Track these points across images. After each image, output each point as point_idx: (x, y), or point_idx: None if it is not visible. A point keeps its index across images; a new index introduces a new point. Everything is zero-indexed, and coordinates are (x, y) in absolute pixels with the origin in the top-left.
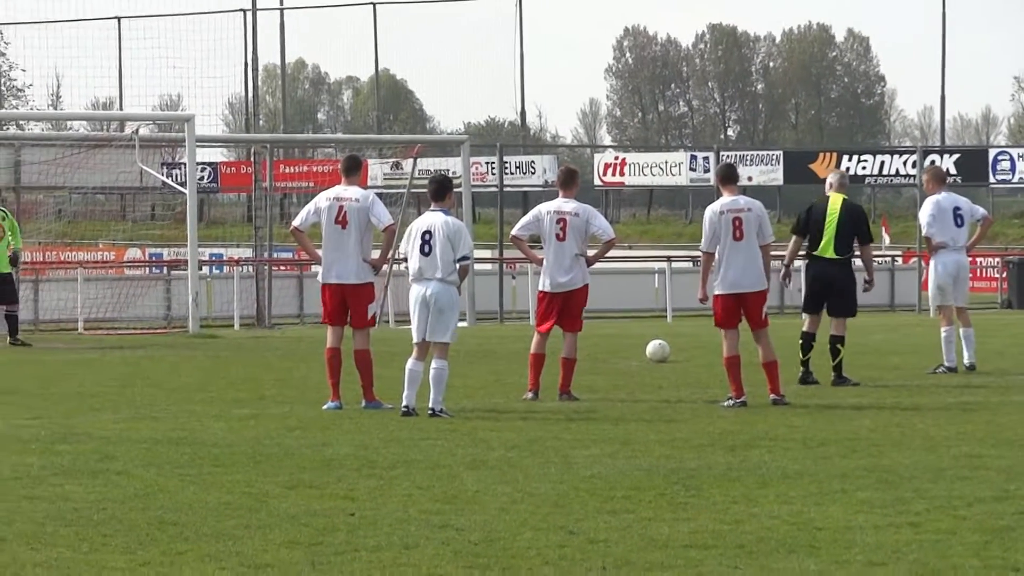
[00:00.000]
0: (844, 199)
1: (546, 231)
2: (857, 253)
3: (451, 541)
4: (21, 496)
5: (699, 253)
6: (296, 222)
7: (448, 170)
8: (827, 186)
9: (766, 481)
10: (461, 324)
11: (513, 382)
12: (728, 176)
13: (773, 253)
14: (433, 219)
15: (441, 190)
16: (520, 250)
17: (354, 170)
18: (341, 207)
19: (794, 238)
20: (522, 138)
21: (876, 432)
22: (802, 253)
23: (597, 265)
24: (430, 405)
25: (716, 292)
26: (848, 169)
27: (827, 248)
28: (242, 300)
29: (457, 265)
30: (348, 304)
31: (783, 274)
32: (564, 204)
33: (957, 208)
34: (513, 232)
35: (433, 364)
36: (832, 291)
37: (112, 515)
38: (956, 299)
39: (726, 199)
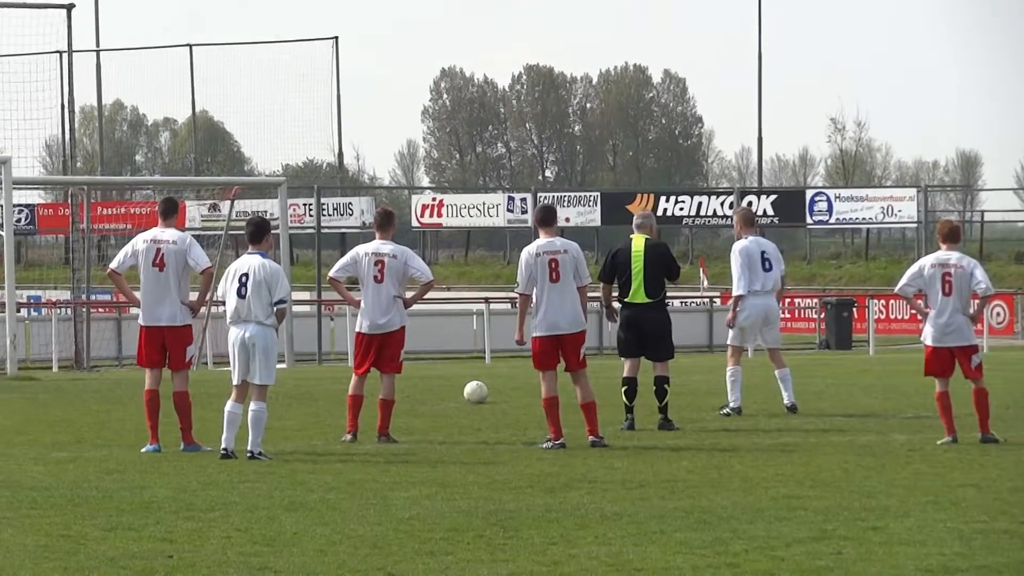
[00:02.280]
0: (647, 239)
1: (364, 273)
2: (670, 294)
3: None
4: None
5: (517, 295)
6: (113, 265)
7: (266, 212)
8: (633, 227)
9: (585, 522)
10: (280, 366)
11: (332, 424)
12: (545, 218)
13: (590, 294)
14: (250, 262)
15: (258, 232)
16: (338, 292)
17: (171, 212)
18: (159, 250)
19: (603, 285)
20: (340, 179)
21: (695, 473)
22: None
23: (416, 307)
24: (249, 447)
25: (535, 334)
26: (665, 211)
27: (637, 294)
28: (60, 342)
29: (275, 308)
30: (167, 346)
31: (607, 313)
32: (382, 246)
33: (764, 252)
34: (331, 274)
35: (252, 406)
36: (648, 336)
37: None
38: (767, 341)
39: (542, 240)
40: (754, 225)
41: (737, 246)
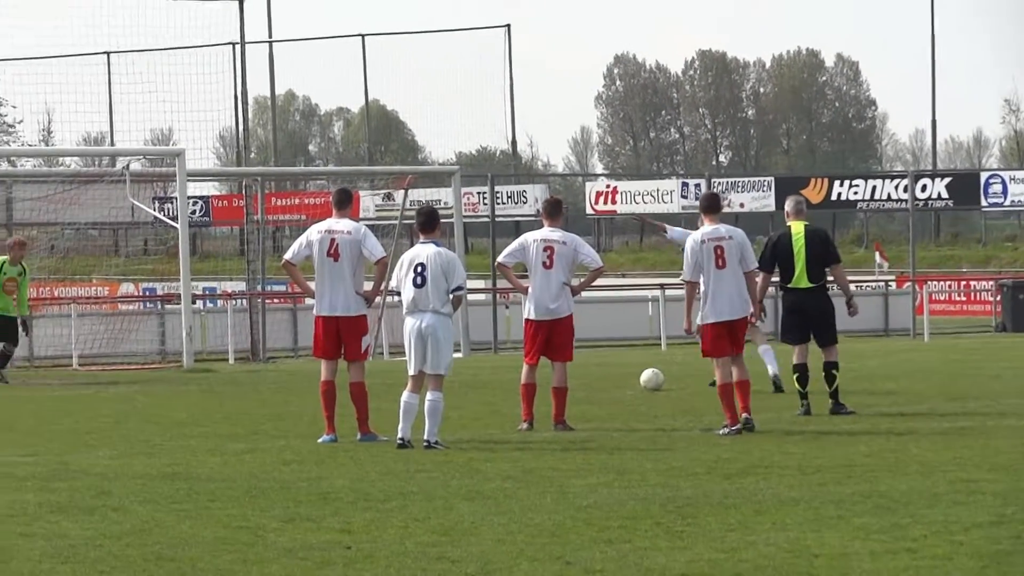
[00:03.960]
0: (806, 225)
1: (532, 259)
2: (830, 278)
3: (447, 573)
4: (17, 533)
5: (683, 282)
6: (288, 255)
7: (440, 200)
8: (785, 214)
9: (762, 509)
10: (455, 355)
11: (508, 413)
12: (711, 206)
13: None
14: (425, 251)
15: (430, 222)
16: (506, 278)
17: (345, 203)
18: (333, 240)
19: (762, 275)
20: (513, 167)
21: (871, 458)
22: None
23: (591, 293)
24: (425, 437)
25: (707, 321)
26: (839, 195)
27: (800, 279)
28: (236, 334)
29: (451, 296)
30: (342, 337)
31: (756, 311)
32: (551, 233)
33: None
34: (499, 260)
35: (428, 396)
36: (812, 321)
37: (109, 551)
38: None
39: (707, 228)
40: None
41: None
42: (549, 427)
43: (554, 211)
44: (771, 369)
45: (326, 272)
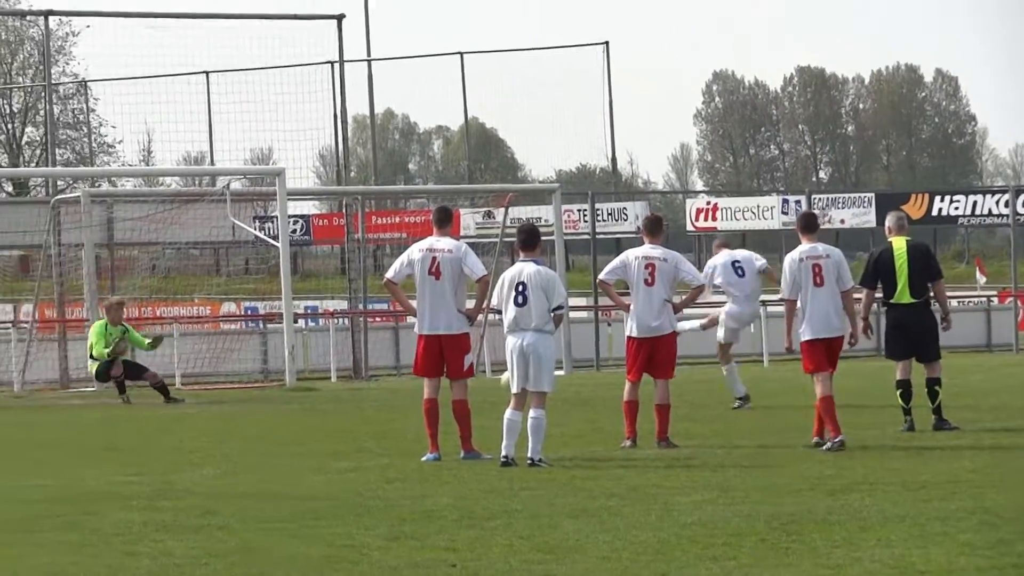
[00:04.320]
0: (908, 240)
1: (634, 276)
2: (931, 293)
3: None
4: (123, 552)
5: (783, 300)
6: (389, 274)
7: (540, 218)
8: (887, 230)
9: (867, 525)
10: (557, 373)
11: (611, 430)
12: (808, 225)
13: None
14: (525, 269)
15: (530, 239)
16: (608, 295)
17: (446, 221)
18: (434, 258)
19: (865, 291)
20: (613, 185)
21: (976, 473)
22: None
23: (693, 310)
24: (529, 455)
25: (804, 338)
26: (940, 210)
27: (903, 294)
28: (338, 352)
29: (552, 315)
30: (444, 355)
31: (863, 327)
32: (652, 250)
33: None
34: (600, 277)
35: (531, 413)
36: (915, 337)
37: (214, 570)
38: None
39: (805, 246)
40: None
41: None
42: (652, 444)
43: (655, 228)
44: (740, 389)
45: (427, 291)
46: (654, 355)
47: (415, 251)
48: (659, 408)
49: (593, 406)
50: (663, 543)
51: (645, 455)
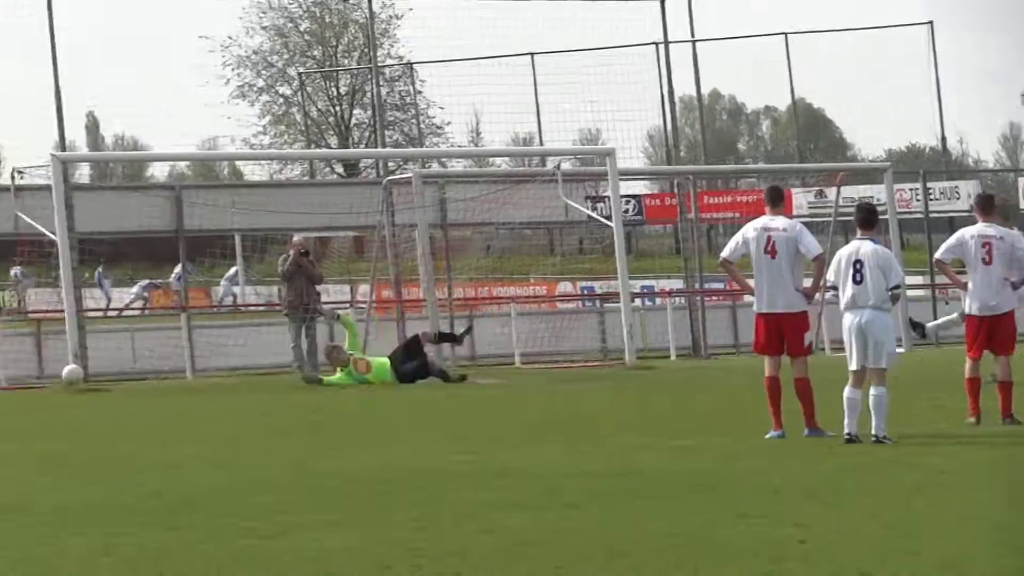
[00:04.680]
0: None
1: (971, 255)
2: None
3: (908, 567)
4: (474, 530)
5: None
6: (725, 253)
7: (872, 197)
8: None
9: None
10: (898, 350)
11: (953, 407)
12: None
13: None
14: (863, 247)
15: (869, 218)
16: (944, 273)
17: (778, 200)
18: (769, 237)
19: None
20: (944, 163)
21: None
22: None
23: None
24: (873, 432)
25: None
26: None
27: None
28: (676, 331)
29: (889, 293)
30: (783, 333)
31: None
32: (987, 228)
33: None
34: (937, 255)
35: (872, 391)
36: None
37: (563, 547)
38: None
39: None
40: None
41: None
42: (997, 421)
43: (987, 206)
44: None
45: (764, 269)
46: (994, 333)
47: (749, 230)
48: (1002, 385)
49: (933, 384)
50: (1017, 518)
51: (991, 431)
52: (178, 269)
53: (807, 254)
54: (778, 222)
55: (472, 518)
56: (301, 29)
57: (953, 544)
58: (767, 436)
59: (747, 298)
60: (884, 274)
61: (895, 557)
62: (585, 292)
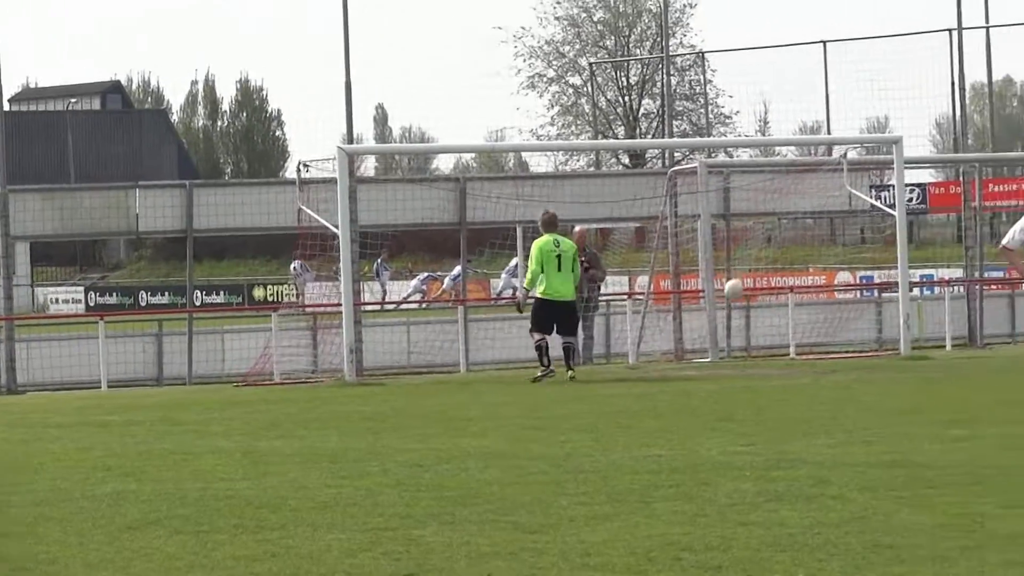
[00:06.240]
0: None
1: None
2: None
3: None
4: (736, 522)
5: None
6: (1005, 240)
7: None
8: None
9: None
10: None
11: None
12: None
13: None
14: None
15: None
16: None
17: None
18: None
19: None
20: None
21: None
22: None
23: None
24: None
25: None
26: None
27: None
28: (953, 321)
29: None
30: None
31: None
32: None
33: None
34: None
35: None
36: None
37: (827, 539)
38: None
39: None
40: None
41: None
42: None
43: None
44: None
45: None
46: None
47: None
48: None
49: None
50: None
51: None
52: (456, 270)
53: None
54: None
55: (737, 510)
56: (595, 19)
57: None
58: None
59: None
60: None
61: None
62: (864, 282)
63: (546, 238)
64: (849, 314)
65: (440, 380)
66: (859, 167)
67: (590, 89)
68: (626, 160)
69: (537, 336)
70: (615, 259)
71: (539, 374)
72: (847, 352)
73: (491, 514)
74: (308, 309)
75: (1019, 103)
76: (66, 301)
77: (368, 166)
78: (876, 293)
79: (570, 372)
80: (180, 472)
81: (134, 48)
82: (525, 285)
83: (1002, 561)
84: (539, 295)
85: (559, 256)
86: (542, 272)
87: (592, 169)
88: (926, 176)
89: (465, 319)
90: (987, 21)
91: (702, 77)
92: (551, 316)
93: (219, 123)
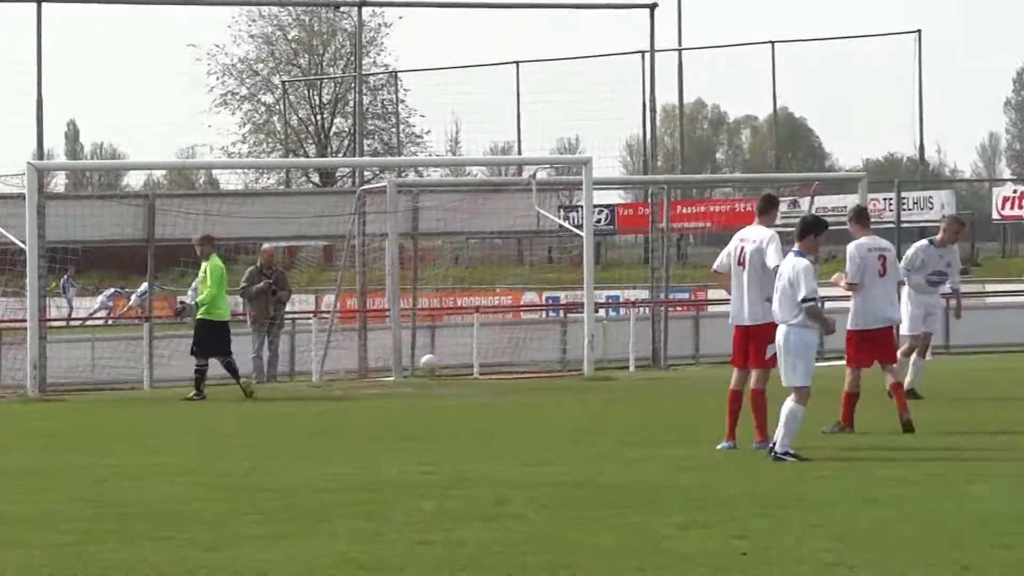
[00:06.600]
0: None
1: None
2: None
3: None
4: (415, 541)
5: None
6: (716, 264)
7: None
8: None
9: None
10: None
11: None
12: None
13: None
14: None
15: (802, 231)
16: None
17: (763, 210)
18: (742, 248)
19: None
20: (920, 173)
21: None
22: None
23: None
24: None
25: None
26: None
27: None
28: (638, 342)
29: (800, 306)
30: (749, 345)
31: None
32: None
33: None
34: None
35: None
36: None
37: (506, 559)
38: None
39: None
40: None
41: None
42: (942, 433)
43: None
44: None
45: (734, 280)
46: None
47: (735, 240)
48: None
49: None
50: (956, 531)
51: (942, 444)
52: (143, 287)
53: (769, 264)
54: (754, 233)
55: (416, 528)
56: (289, 37)
57: (897, 557)
58: (718, 447)
59: (711, 308)
60: (794, 287)
61: (832, 569)
62: (550, 302)
63: (218, 259)
64: (533, 334)
65: (124, 397)
66: (548, 188)
67: (283, 107)
68: (316, 178)
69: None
70: (302, 277)
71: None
72: (531, 372)
73: (170, 531)
74: None
75: (709, 125)
76: None
77: (59, 182)
78: (562, 314)
79: (248, 389)
80: None
81: None
82: (202, 301)
83: None
84: (224, 317)
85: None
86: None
87: (282, 187)
88: (615, 197)
89: (151, 336)
90: (679, 44)
91: (395, 96)
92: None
93: None
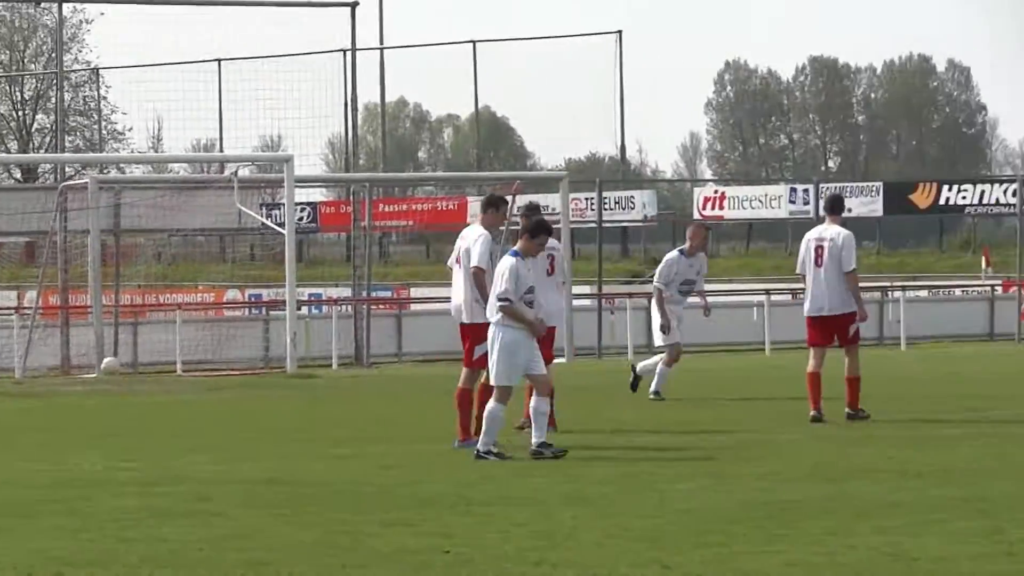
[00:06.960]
0: None
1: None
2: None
3: None
4: (117, 538)
5: (799, 284)
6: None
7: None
8: None
9: (862, 512)
10: (558, 360)
11: (609, 416)
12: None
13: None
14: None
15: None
16: None
17: (484, 208)
18: (460, 246)
19: None
20: (621, 173)
21: (973, 462)
22: None
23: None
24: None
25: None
26: (948, 200)
27: None
28: (341, 340)
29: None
30: (462, 343)
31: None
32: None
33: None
34: None
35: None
36: None
37: (207, 556)
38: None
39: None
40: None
41: None
42: (641, 432)
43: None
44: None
45: (454, 278)
46: None
47: (459, 240)
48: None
49: (594, 392)
50: (657, 530)
51: (641, 442)
52: None
53: (473, 262)
54: (471, 232)
55: (119, 525)
56: None
57: (597, 555)
58: (454, 446)
59: (414, 307)
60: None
61: (535, 568)
62: (253, 299)
63: None
64: (236, 331)
65: None
66: (250, 185)
67: None
68: (18, 175)
69: None
70: (3, 273)
71: None
72: (235, 369)
73: None
74: None
75: (411, 124)
76: None
77: None
78: (264, 311)
79: None
80: None
81: None
82: None
83: None
84: None
85: None
86: None
87: None
88: (318, 195)
89: None
90: (381, 42)
91: (97, 93)
92: None
93: None
